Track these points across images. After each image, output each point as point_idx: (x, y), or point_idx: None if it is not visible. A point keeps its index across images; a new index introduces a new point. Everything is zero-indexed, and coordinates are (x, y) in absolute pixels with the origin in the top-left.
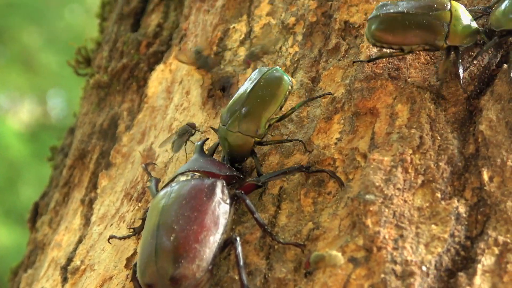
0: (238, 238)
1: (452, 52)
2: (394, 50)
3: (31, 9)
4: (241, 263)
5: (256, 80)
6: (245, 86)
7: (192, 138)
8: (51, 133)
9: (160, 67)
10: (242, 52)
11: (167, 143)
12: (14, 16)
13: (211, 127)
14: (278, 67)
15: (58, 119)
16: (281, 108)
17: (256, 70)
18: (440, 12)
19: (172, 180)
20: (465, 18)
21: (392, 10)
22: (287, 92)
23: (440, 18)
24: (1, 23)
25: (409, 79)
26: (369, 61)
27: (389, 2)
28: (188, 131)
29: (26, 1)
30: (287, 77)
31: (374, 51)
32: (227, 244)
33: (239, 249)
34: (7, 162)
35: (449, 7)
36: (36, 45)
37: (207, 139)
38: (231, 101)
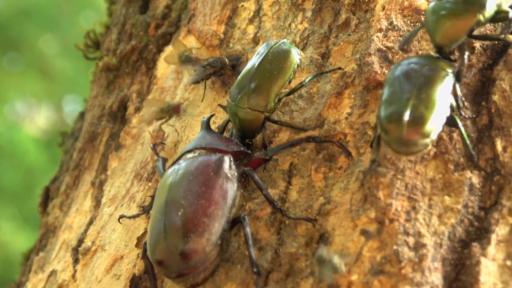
0: (246, 217)
1: None
2: None
3: (46, 16)
4: (250, 241)
5: (263, 54)
6: (253, 61)
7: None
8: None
9: (169, 48)
10: (251, 30)
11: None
12: (29, 24)
13: (220, 105)
14: (285, 40)
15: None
16: (290, 82)
17: (264, 44)
18: None
19: (179, 158)
20: None
21: None
22: (296, 66)
23: None
24: (17, 31)
25: (420, 52)
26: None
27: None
28: (214, 64)
29: (41, 9)
30: (295, 50)
31: (385, 24)
32: (236, 222)
33: (247, 228)
34: (25, 168)
35: None
36: (52, 52)
37: (213, 115)
38: (239, 76)
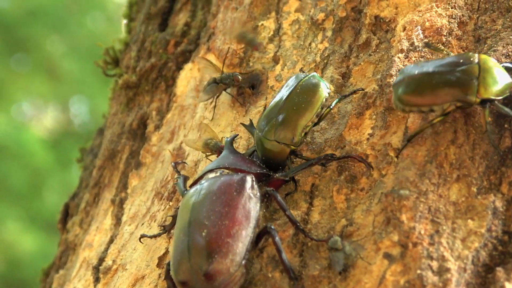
0: (273, 226)
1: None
2: (424, 112)
3: (54, 17)
4: (281, 248)
5: (292, 87)
6: (282, 93)
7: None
8: (74, 140)
9: (188, 66)
10: (271, 49)
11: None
12: (37, 25)
13: (242, 124)
14: (315, 73)
15: (81, 125)
16: (317, 116)
17: (293, 77)
18: (467, 67)
19: (201, 177)
20: (497, 70)
21: (417, 72)
22: (324, 100)
23: (468, 73)
24: (24, 32)
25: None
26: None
27: (411, 65)
28: (227, 81)
29: (48, 10)
30: (324, 84)
31: (406, 45)
32: (260, 237)
33: (277, 237)
34: (32, 169)
35: (476, 60)
36: (59, 53)
37: (237, 135)
38: (268, 108)
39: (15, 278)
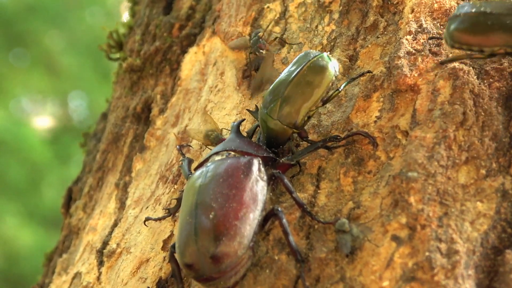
0: (280, 208)
1: None
2: (473, 52)
3: (52, 12)
4: (288, 231)
5: (300, 67)
6: (290, 70)
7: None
8: (73, 135)
9: (193, 49)
10: (277, 32)
11: None
12: (35, 20)
13: (247, 110)
14: (325, 54)
15: (79, 121)
16: (322, 101)
17: (303, 54)
18: None
19: (206, 160)
20: None
21: (474, 10)
22: (330, 84)
23: None
24: (23, 27)
25: (450, 55)
26: (443, 62)
27: (470, 1)
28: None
29: (47, 5)
30: (332, 66)
31: (414, 27)
32: (267, 220)
33: (284, 219)
34: (30, 164)
35: None
36: (58, 48)
37: (244, 119)
38: (275, 82)
39: (14, 273)
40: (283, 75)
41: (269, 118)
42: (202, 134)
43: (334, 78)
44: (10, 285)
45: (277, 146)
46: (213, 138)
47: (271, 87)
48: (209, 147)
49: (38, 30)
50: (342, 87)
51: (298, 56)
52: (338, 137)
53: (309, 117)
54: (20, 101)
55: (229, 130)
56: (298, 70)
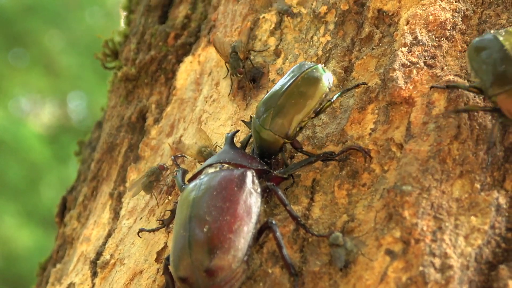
0: (274, 221)
1: None
2: None
3: (52, 12)
4: (282, 244)
5: (294, 78)
6: (284, 81)
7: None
8: (71, 135)
9: (188, 58)
10: (272, 43)
11: (136, 185)
12: (35, 20)
13: (242, 120)
14: (319, 65)
15: (78, 121)
16: (315, 112)
17: (298, 65)
18: None
19: (200, 172)
20: None
21: None
22: (324, 96)
23: None
24: (22, 27)
25: (445, 67)
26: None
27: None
28: (155, 172)
29: (47, 5)
30: (326, 78)
31: (409, 39)
32: (261, 232)
33: (278, 232)
34: (29, 164)
35: None
36: (57, 48)
37: (238, 131)
38: (269, 93)
39: (12, 273)
40: (277, 85)
41: (262, 128)
42: (195, 150)
43: (327, 90)
44: (9, 285)
45: (269, 157)
46: (206, 154)
47: (264, 98)
48: (201, 162)
49: (38, 30)
50: (334, 98)
51: (293, 67)
52: (333, 154)
53: (301, 128)
54: (19, 101)
55: (220, 147)
56: (292, 80)
